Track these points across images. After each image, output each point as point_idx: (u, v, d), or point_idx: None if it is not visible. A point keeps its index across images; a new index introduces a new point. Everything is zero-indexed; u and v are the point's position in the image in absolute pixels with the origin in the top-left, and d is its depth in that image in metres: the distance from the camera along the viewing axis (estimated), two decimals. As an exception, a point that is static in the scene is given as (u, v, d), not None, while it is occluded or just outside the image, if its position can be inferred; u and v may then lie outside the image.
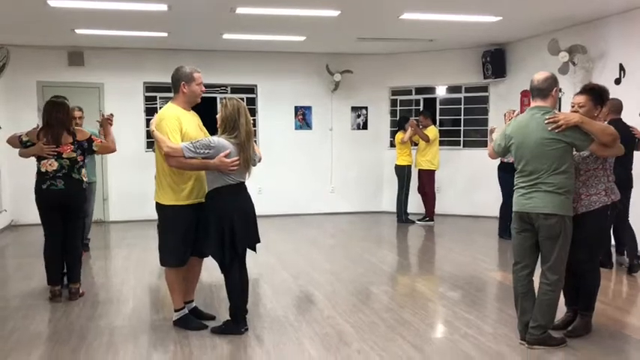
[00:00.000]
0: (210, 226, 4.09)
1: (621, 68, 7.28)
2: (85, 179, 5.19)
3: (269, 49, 9.94)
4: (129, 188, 9.70)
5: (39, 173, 5.05)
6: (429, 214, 9.46)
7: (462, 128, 10.40)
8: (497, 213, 9.86)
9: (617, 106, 5.91)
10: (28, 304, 5.13)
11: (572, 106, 4.16)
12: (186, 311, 4.48)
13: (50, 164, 4.99)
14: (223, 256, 4.12)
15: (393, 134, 10.33)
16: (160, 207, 4.25)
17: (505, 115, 6.40)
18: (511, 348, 4.03)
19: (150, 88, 10.08)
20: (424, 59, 10.29)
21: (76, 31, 8.16)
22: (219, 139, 4.03)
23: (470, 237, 8.58)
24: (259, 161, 4.37)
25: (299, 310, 4.97)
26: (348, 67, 10.25)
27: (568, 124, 3.79)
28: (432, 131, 9.35)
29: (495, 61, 9.64)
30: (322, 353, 3.96)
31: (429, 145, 9.30)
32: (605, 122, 4.97)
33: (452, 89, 10.60)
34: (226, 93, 10.54)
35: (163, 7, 6.80)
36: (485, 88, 10.22)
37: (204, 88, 4.30)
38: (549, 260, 3.93)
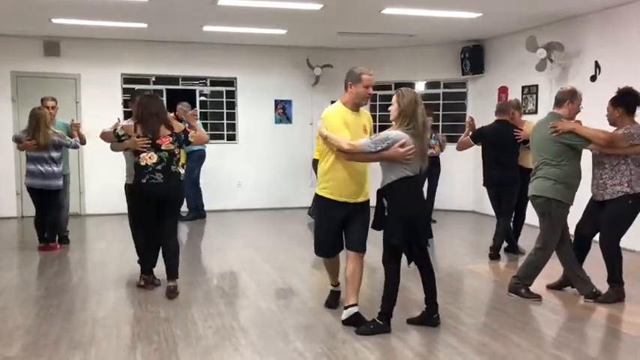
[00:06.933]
0: (394, 217, 4.02)
1: (597, 65, 7.44)
2: (182, 171, 5.12)
3: (249, 42, 9.90)
4: (106, 181, 9.55)
5: (138, 167, 4.93)
6: None
7: (440, 124, 10.50)
8: (472, 207, 10.07)
9: (501, 108, 6.56)
10: (6, 297, 5.04)
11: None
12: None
13: (150, 157, 4.88)
14: (409, 247, 4.07)
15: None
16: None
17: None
18: (492, 337, 4.11)
19: (128, 79, 9.95)
20: (404, 54, 10.35)
21: (52, 20, 8.00)
22: (395, 132, 3.98)
23: (447, 231, 8.68)
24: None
25: (282, 302, 4.99)
26: (329, 61, 10.25)
27: (563, 129, 4.64)
28: None
29: (474, 58, 9.76)
30: (307, 344, 3.97)
31: None
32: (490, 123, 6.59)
33: (431, 85, 10.70)
34: (205, 86, 10.48)
35: (144, -3, 6.73)
36: (463, 84, 10.35)
37: (371, 91, 4.20)
38: (540, 232, 4.87)
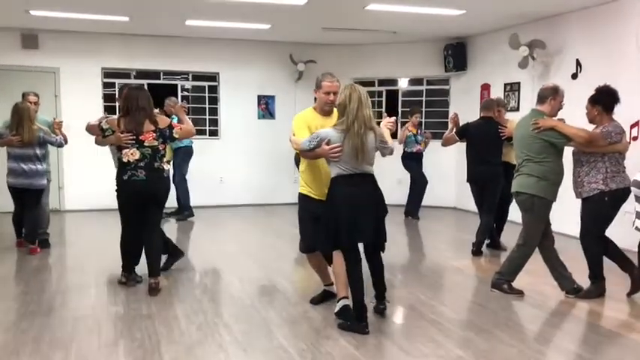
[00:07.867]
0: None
1: (578, 63, 7.52)
2: (166, 167, 5.00)
3: (232, 36, 9.83)
4: (86, 177, 9.44)
5: (121, 163, 4.85)
6: None
7: (423, 120, 10.53)
8: (454, 203, 10.13)
9: (486, 105, 6.63)
10: (-16, 294, 4.96)
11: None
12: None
13: (132, 153, 4.77)
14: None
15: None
16: None
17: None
18: (475, 333, 4.13)
19: (108, 74, 9.81)
20: (387, 51, 10.37)
21: (30, 12, 7.85)
22: (324, 130, 4.03)
23: (429, 227, 8.72)
24: (390, 153, 4.25)
25: (266, 298, 4.96)
26: (312, 57, 10.22)
27: (545, 126, 4.67)
28: None
29: (457, 55, 9.82)
30: (291, 340, 3.96)
31: None
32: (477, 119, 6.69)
33: (414, 81, 10.74)
34: (187, 80, 10.39)
35: (126, -10, 6.63)
36: (446, 81, 10.40)
37: (331, 97, 4.22)
38: (523, 228, 4.90)
